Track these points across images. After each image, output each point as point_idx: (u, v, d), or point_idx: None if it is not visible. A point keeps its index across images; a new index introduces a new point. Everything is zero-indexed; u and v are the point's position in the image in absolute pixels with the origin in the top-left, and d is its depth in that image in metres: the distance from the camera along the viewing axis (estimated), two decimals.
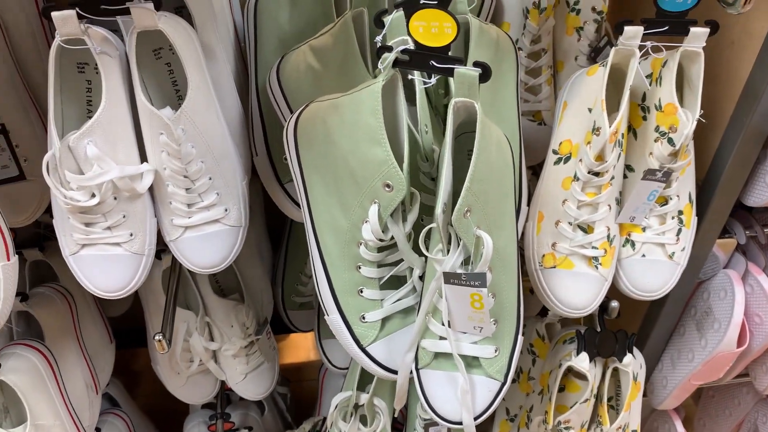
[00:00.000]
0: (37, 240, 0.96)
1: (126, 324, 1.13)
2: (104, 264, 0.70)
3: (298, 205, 0.82)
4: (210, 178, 0.71)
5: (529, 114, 0.92)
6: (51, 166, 0.65)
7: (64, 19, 0.60)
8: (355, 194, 0.63)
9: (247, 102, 0.84)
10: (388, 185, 0.60)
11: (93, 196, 0.66)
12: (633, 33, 0.66)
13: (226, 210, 0.73)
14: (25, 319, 0.93)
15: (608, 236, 0.72)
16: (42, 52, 0.82)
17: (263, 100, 0.82)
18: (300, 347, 1.53)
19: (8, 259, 0.68)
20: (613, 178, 0.70)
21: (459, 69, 0.55)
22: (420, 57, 0.56)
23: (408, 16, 0.62)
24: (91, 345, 0.99)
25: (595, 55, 0.89)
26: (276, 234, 1.18)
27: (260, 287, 1.05)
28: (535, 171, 0.99)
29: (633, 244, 0.75)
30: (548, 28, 0.89)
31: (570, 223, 0.73)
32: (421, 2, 0.61)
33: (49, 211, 0.80)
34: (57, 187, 0.65)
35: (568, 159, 0.74)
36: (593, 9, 0.88)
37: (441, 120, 0.75)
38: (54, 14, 0.60)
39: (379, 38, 0.63)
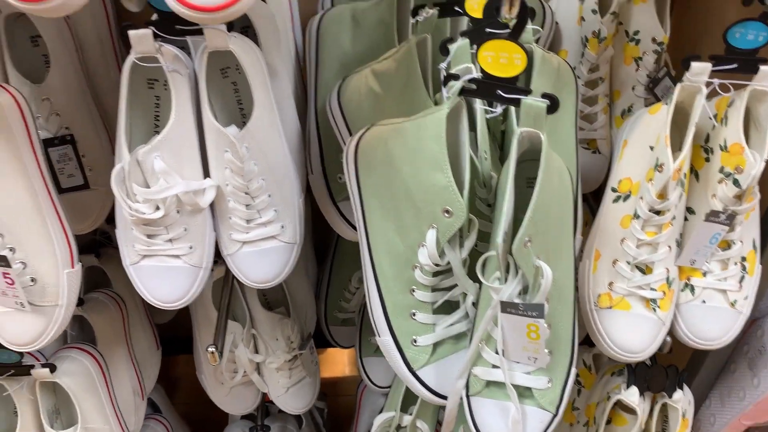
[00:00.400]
0: (93, 246, 0.99)
1: (168, 331, 1.15)
2: (163, 275, 0.71)
3: (350, 224, 0.83)
4: (269, 195, 0.72)
5: (583, 142, 0.91)
6: (118, 179, 0.67)
7: (140, 38, 0.62)
8: (414, 218, 0.63)
9: (305, 120, 0.86)
10: (447, 211, 0.61)
11: (158, 209, 0.68)
12: (700, 69, 0.65)
13: (282, 227, 0.74)
14: (79, 323, 0.95)
15: (668, 278, 0.71)
16: (109, 63, 0.85)
17: (321, 120, 0.83)
18: (338, 362, 1.54)
19: (72, 267, 0.71)
20: (674, 218, 0.69)
21: (526, 100, 0.55)
22: (487, 86, 0.57)
23: (475, 45, 0.63)
24: (140, 351, 1.01)
25: (653, 85, 0.89)
26: (320, 248, 1.19)
27: (305, 301, 1.06)
28: (585, 198, 0.99)
29: (692, 289, 0.73)
30: (607, 57, 0.89)
31: (628, 263, 0.72)
32: (488, 31, 0.62)
33: (107, 219, 0.83)
34: (124, 199, 0.67)
35: (627, 197, 0.73)
36: (653, 40, 0.87)
37: (497, 146, 0.75)
38: (130, 33, 0.62)
39: (443, 65, 0.64)
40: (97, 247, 1.00)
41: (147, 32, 0.62)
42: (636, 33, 0.88)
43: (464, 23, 0.74)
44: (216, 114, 0.71)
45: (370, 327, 1.09)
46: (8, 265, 0.64)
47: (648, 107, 0.78)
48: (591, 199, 0.96)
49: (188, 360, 1.09)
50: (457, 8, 0.67)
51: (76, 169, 0.80)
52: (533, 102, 0.55)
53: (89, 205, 0.82)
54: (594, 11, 0.85)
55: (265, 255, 0.74)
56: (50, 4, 0.44)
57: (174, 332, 1.14)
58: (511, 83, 0.55)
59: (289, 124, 0.80)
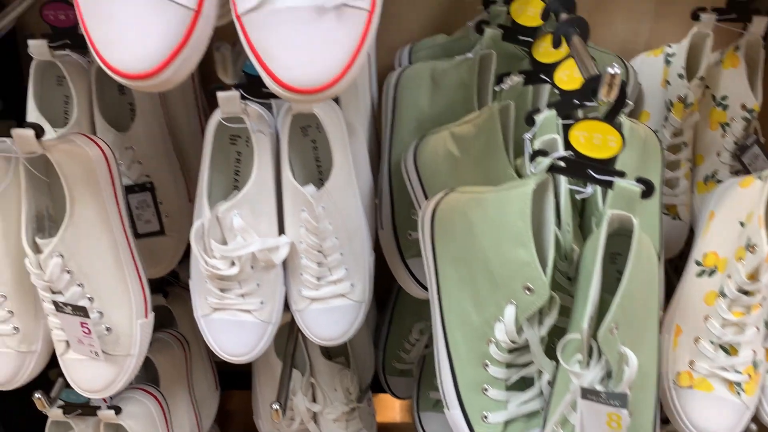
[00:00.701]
0: (160, 285, 1.00)
1: (224, 365, 1.15)
2: (233, 329, 0.72)
3: (419, 282, 0.82)
4: (341, 254, 0.72)
5: (663, 207, 0.88)
6: (198, 234, 0.67)
7: (228, 100, 0.63)
8: (492, 292, 0.62)
9: (376, 172, 0.85)
10: (528, 288, 0.59)
11: (233, 264, 0.68)
12: None
13: (352, 285, 0.74)
14: (143, 363, 0.96)
15: (754, 361, 0.67)
16: (191, 113, 0.86)
17: (395, 177, 0.83)
18: (389, 407, 1.51)
19: (146, 317, 0.71)
20: (764, 299, 0.66)
21: (620, 183, 0.53)
22: (577, 165, 0.55)
23: (561, 116, 0.61)
24: (200, 391, 1.01)
25: (740, 152, 0.85)
26: (380, 293, 1.18)
27: (365, 352, 1.05)
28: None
29: None
30: (692, 122, 0.86)
31: (712, 342, 0.68)
32: (576, 102, 0.60)
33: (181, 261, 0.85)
34: (201, 255, 0.67)
35: (713, 272, 0.70)
36: (743, 106, 0.84)
37: (577, 212, 0.73)
38: (219, 94, 0.63)
39: (528, 135, 0.63)
40: (164, 285, 1.01)
41: (235, 94, 0.63)
42: (724, 98, 0.85)
43: (547, 90, 0.72)
44: (294, 171, 0.71)
45: (429, 380, 1.08)
46: (87, 316, 0.65)
47: (738, 178, 0.75)
48: (668, 266, 0.92)
49: (243, 396, 1.09)
50: (544, 77, 0.66)
51: (154, 216, 0.81)
52: (627, 186, 0.53)
53: (163, 251, 0.84)
54: (681, 75, 0.83)
55: (334, 313, 0.74)
56: (152, 82, 0.44)
57: (230, 367, 1.14)
58: (605, 165, 0.54)
59: (362, 179, 0.80)
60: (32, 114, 0.77)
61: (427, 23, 0.94)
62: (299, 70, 0.44)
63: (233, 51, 0.50)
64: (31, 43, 0.73)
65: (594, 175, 0.54)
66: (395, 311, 1.13)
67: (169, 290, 1.00)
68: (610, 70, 0.48)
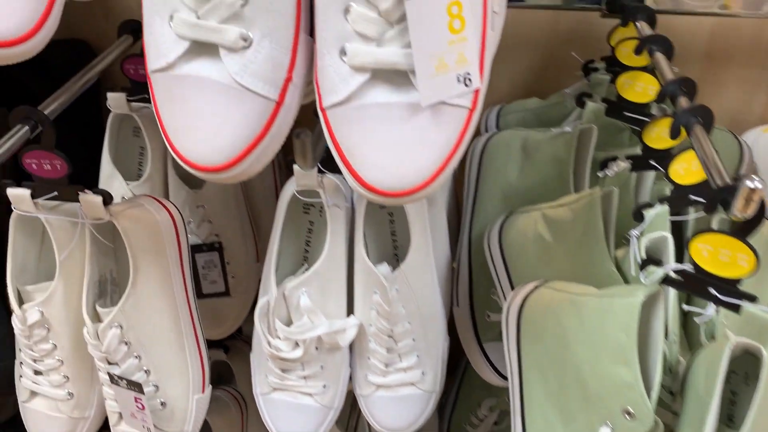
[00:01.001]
0: (220, 339, 0.97)
1: None
2: (292, 412, 0.67)
3: (496, 370, 0.75)
4: (413, 339, 0.66)
5: None
6: (262, 312, 0.63)
7: (305, 174, 0.59)
8: (583, 410, 0.54)
9: (454, 241, 0.79)
10: (628, 413, 0.51)
11: (297, 346, 0.63)
12: None
13: (423, 374, 0.68)
14: None
15: None
16: (264, 170, 0.83)
17: (475, 252, 0.76)
18: None
19: (203, 392, 0.67)
20: None
21: (750, 309, 0.45)
22: (697, 281, 0.47)
23: (673, 213, 0.54)
24: None
25: None
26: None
27: (429, 428, 0.98)
28: None
29: None
30: None
31: None
32: (693, 198, 0.53)
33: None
34: (265, 334, 0.63)
35: None
36: None
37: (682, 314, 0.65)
38: (295, 167, 0.59)
39: (635, 232, 0.56)
40: (225, 339, 0.97)
41: (312, 170, 0.58)
42: None
43: (651, 177, 0.65)
44: (368, 245, 0.66)
45: None
46: (141, 391, 0.61)
47: None
48: None
49: None
50: (655, 164, 0.59)
51: (220, 276, 0.78)
52: (760, 314, 0.45)
53: (226, 312, 0.80)
54: None
55: (401, 402, 0.68)
56: (226, 175, 0.40)
57: None
58: (731, 285, 0.46)
59: (439, 251, 0.74)
60: (106, 166, 0.75)
61: (518, 84, 0.88)
62: (385, 172, 0.39)
63: (313, 136, 0.46)
64: (110, 95, 0.72)
65: (718, 295, 0.46)
66: (464, 380, 1.06)
67: (229, 345, 0.97)
68: (750, 184, 0.41)
